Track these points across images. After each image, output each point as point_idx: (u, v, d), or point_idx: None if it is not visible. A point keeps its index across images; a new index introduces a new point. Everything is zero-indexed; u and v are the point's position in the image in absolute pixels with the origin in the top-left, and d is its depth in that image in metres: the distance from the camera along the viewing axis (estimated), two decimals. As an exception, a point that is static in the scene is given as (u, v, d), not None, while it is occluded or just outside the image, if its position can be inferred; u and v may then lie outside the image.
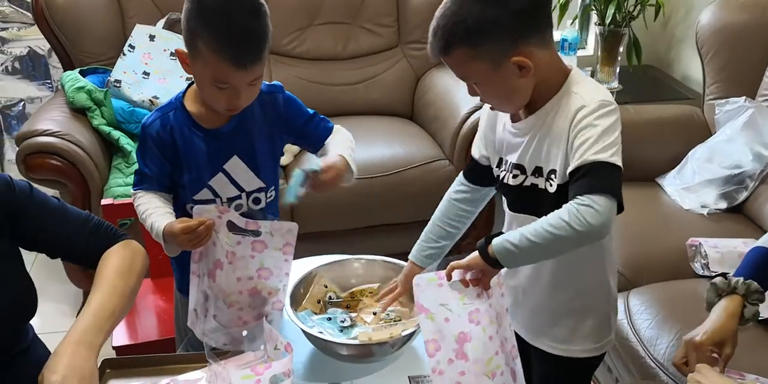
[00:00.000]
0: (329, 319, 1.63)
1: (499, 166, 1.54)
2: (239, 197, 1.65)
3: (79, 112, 2.77)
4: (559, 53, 2.96)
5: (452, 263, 1.36)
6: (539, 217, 1.31)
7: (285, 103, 1.65)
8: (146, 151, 1.61)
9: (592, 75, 3.28)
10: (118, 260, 1.48)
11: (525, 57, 1.33)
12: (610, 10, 2.90)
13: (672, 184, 2.54)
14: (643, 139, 2.62)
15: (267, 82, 1.65)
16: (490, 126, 1.56)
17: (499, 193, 1.58)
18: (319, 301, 1.70)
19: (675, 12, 3.40)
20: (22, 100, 3.42)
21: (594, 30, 3.33)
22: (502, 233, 1.37)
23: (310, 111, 1.70)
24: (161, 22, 3.02)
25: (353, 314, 1.67)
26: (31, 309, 1.50)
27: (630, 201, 2.44)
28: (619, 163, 1.30)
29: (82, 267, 1.55)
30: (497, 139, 1.53)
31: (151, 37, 2.93)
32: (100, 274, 1.46)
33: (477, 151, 1.61)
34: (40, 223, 1.46)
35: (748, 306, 1.42)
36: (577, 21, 3.10)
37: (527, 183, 1.46)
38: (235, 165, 1.62)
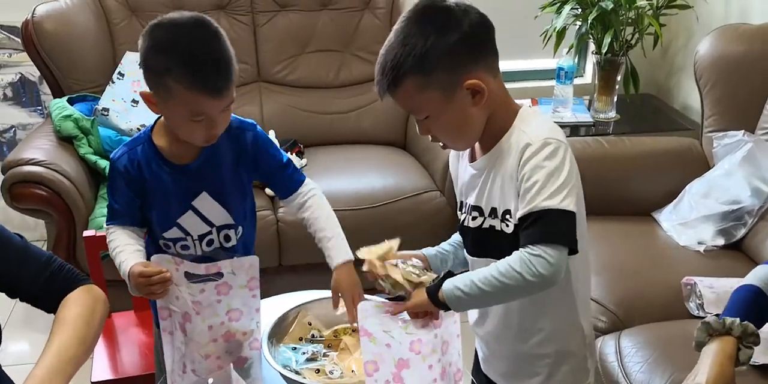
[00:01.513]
0: (294, 348, 1.60)
1: (461, 209, 1.50)
2: (210, 233, 1.62)
3: (66, 140, 2.73)
4: (555, 83, 2.95)
5: (397, 307, 1.38)
6: (495, 259, 1.31)
7: (255, 141, 1.62)
8: (115, 186, 1.59)
9: (590, 104, 3.23)
10: (81, 306, 1.43)
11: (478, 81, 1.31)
12: (607, 39, 2.85)
13: (668, 219, 2.48)
14: (639, 171, 2.57)
15: (240, 118, 1.62)
16: (455, 169, 1.53)
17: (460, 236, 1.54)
18: (300, 339, 1.65)
19: (675, 39, 3.35)
20: (13, 126, 3.38)
21: (592, 59, 3.28)
22: (451, 273, 1.37)
23: (284, 158, 1.66)
24: (152, 50, 2.99)
25: (332, 352, 1.62)
26: None
27: (624, 236, 2.38)
28: (571, 207, 1.27)
29: (42, 310, 1.49)
30: (460, 182, 1.50)
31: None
32: (63, 318, 1.41)
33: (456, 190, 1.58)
34: (0, 261, 1.42)
35: (743, 349, 1.36)
36: (573, 50, 3.04)
37: (486, 225, 1.42)
38: (204, 201, 1.59)
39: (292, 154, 2.87)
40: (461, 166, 1.49)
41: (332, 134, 3.14)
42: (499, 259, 1.30)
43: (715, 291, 2.05)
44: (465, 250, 1.52)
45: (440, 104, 1.33)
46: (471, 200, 1.45)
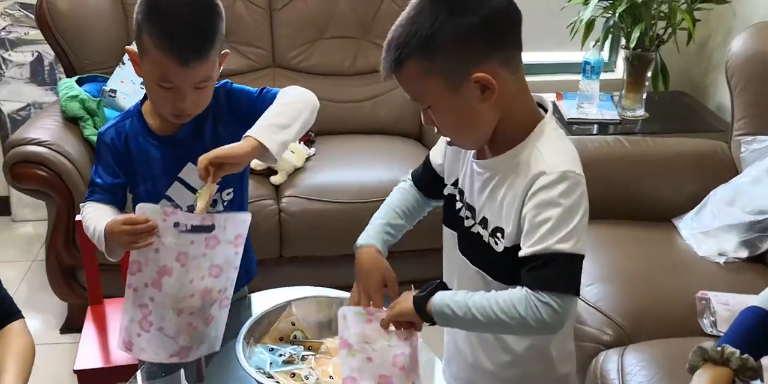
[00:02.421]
0: (271, 349, 1.53)
1: (455, 185, 1.37)
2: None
3: (72, 121, 2.69)
4: (581, 77, 2.81)
5: (380, 316, 1.32)
6: (483, 271, 1.25)
7: (228, 94, 1.57)
8: (100, 159, 1.57)
9: (618, 100, 3.09)
10: (27, 347, 1.48)
11: (489, 75, 1.17)
12: (636, 33, 2.71)
13: (688, 226, 2.33)
14: (661, 174, 2.43)
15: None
16: (453, 151, 1.39)
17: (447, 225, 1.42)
18: (281, 339, 1.58)
19: (713, 35, 3.18)
20: (29, 104, 3.35)
21: (622, 53, 3.13)
22: (443, 283, 1.30)
23: (255, 90, 1.58)
24: (165, 31, 2.92)
25: (311, 355, 1.54)
26: None
27: (639, 242, 2.24)
28: (583, 251, 1.18)
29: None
30: (461, 163, 1.36)
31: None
32: (15, 349, 1.47)
33: (436, 157, 1.45)
34: None
35: (738, 382, 1.26)
36: (599, 43, 2.90)
37: (474, 230, 1.32)
38: (191, 172, 1.54)
39: (301, 142, 2.79)
40: (464, 154, 1.35)
41: (346, 123, 3.05)
42: (487, 272, 1.25)
43: (730, 308, 1.91)
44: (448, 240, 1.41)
45: (444, 95, 1.20)
46: (467, 196, 1.33)
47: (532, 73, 3.40)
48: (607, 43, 3.19)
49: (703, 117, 3.07)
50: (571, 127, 2.91)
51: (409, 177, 1.54)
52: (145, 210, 1.40)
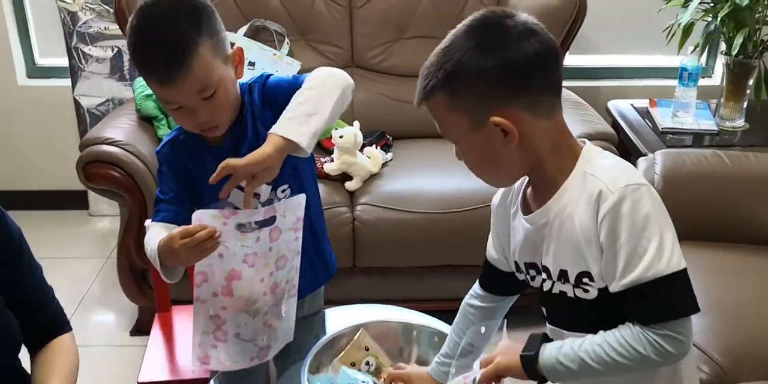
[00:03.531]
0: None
1: (519, 269, 1.28)
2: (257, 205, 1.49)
3: (147, 120, 2.66)
4: (677, 84, 2.63)
5: (485, 372, 1.22)
6: (577, 331, 1.14)
7: (264, 90, 1.48)
8: (162, 175, 1.51)
9: (716, 109, 2.89)
10: (72, 365, 1.46)
11: (508, 120, 1.10)
12: (739, 39, 2.52)
13: (794, 252, 2.15)
14: (763, 194, 2.24)
15: (254, 77, 1.50)
16: (502, 220, 1.31)
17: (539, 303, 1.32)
18: (353, 364, 1.53)
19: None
20: (108, 100, 3.35)
21: (722, 59, 2.93)
22: (546, 337, 1.19)
23: (289, 78, 1.47)
24: (243, 29, 2.88)
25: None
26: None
27: (741, 269, 2.06)
28: (682, 263, 1.07)
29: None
30: (513, 241, 1.27)
31: (230, 45, 2.77)
32: (62, 365, 1.44)
33: (492, 252, 1.37)
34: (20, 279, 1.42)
35: None
36: (699, 49, 2.71)
37: (555, 290, 1.20)
38: None
39: (377, 146, 2.69)
40: (512, 219, 1.27)
41: (425, 127, 2.81)
42: (589, 331, 1.14)
43: (841, 347, 1.74)
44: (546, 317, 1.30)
45: (466, 132, 1.15)
46: (527, 258, 1.23)
47: (623, 77, 3.26)
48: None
49: (811, 130, 2.85)
50: (665, 136, 2.74)
51: (475, 289, 1.45)
52: (201, 217, 1.30)
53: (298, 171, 1.55)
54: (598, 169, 1.12)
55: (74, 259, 3.13)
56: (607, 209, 1.08)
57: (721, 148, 2.58)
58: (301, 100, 1.37)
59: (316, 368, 1.49)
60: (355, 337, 1.54)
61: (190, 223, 1.50)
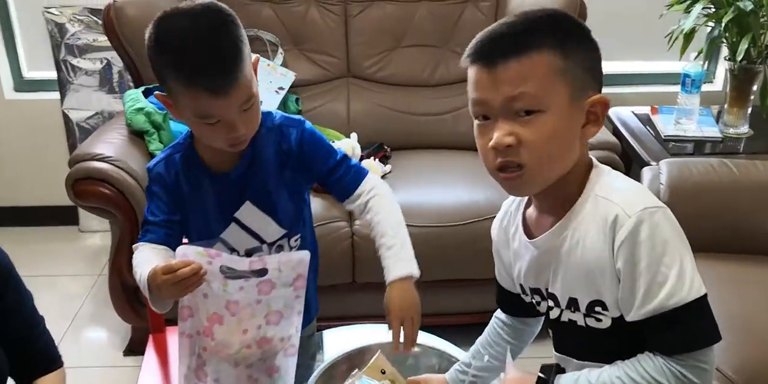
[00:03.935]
0: None
1: (525, 292, 1.22)
2: (260, 249, 1.44)
3: (138, 135, 2.58)
4: (679, 91, 2.59)
5: None
6: (588, 360, 1.10)
7: (302, 141, 1.42)
8: (152, 196, 1.43)
9: (718, 116, 2.84)
10: None
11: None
12: (743, 45, 2.46)
13: (807, 263, 2.09)
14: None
15: (286, 114, 1.44)
16: (503, 243, 1.24)
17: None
18: None
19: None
20: (98, 113, 3.28)
21: (724, 64, 2.88)
22: (560, 368, 1.13)
23: (338, 154, 1.45)
24: (236, 39, 2.80)
25: None
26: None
27: (753, 282, 2.00)
28: (702, 289, 1.02)
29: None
30: (518, 266, 1.21)
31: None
32: None
33: (499, 275, 1.32)
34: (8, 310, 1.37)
35: None
36: (702, 55, 2.66)
37: (564, 318, 1.14)
38: (249, 212, 1.41)
39: (375, 159, 2.63)
40: (512, 240, 1.20)
41: (424, 138, 2.87)
42: (601, 360, 1.09)
43: None
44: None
45: (562, 103, 1.02)
46: (531, 283, 1.18)
47: (624, 84, 3.20)
48: (708, 54, 2.94)
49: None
50: (668, 144, 2.69)
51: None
52: (186, 253, 1.27)
53: (305, 219, 1.52)
54: (612, 192, 1.06)
55: (65, 277, 3.06)
56: (625, 235, 1.01)
57: (726, 155, 2.54)
58: (401, 241, 1.39)
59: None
60: (372, 360, 1.49)
61: (180, 244, 1.44)
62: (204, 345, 1.37)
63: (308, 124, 1.45)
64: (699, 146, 2.71)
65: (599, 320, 1.09)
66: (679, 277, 1.01)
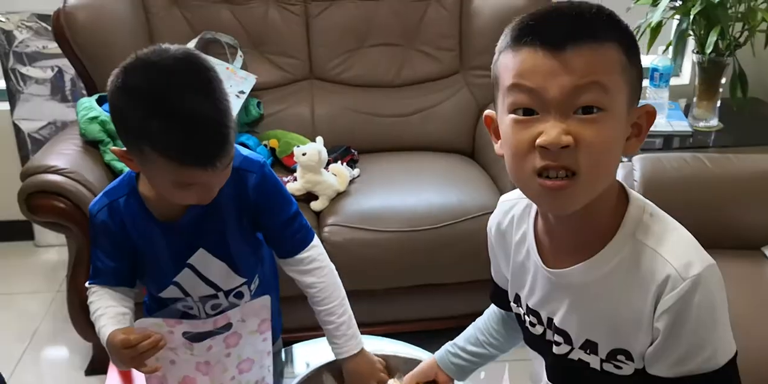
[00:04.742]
0: None
1: (518, 304, 1.15)
2: (215, 297, 1.37)
3: (92, 144, 2.48)
4: (647, 85, 2.55)
5: None
6: None
7: (258, 188, 1.33)
8: (96, 242, 1.33)
9: (687, 109, 2.81)
10: None
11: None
12: (713, 37, 2.43)
13: (784, 256, 2.06)
14: (748, 196, 2.14)
15: (246, 154, 1.33)
16: (501, 245, 1.17)
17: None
18: None
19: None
20: (50, 123, 3.16)
21: (691, 57, 2.85)
22: None
23: (291, 210, 1.38)
24: (193, 42, 2.71)
25: None
26: None
27: (724, 276, 1.99)
28: (734, 346, 0.98)
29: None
30: (514, 268, 1.13)
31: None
32: None
33: (494, 274, 1.27)
34: None
35: None
36: (670, 48, 2.63)
37: (573, 356, 1.06)
38: (203, 258, 1.33)
39: (343, 163, 2.55)
40: (522, 258, 1.11)
41: (391, 140, 2.80)
42: None
43: None
44: (537, 363, 1.17)
45: (622, 107, 0.92)
46: (532, 303, 1.10)
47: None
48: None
49: (783, 127, 2.78)
50: (638, 140, 2.64)
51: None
52: (145, 325, 1.21)
53: (262, 258, 1.47)
54: (662, 245, 0.96)
55: (22, 295, 2.94)
56: (676, 299, 0.93)
57: (697, 149, 2.51)
58: (347, 321, 1.42)
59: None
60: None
61: (135, 281, 1.39)
62: None
63: (267, 167, 1.36)
64: (669, 141, 2.67)
65: (619, 368, 1.02)
66: (721, 341, 0.97)
